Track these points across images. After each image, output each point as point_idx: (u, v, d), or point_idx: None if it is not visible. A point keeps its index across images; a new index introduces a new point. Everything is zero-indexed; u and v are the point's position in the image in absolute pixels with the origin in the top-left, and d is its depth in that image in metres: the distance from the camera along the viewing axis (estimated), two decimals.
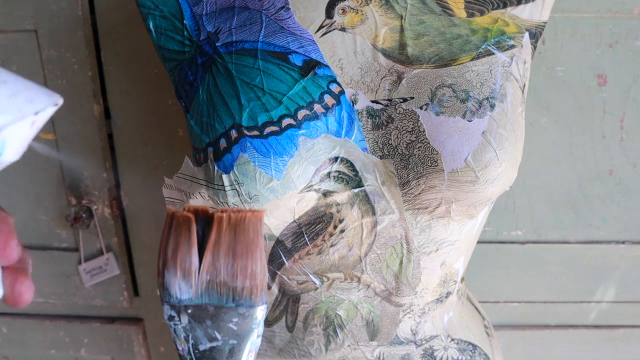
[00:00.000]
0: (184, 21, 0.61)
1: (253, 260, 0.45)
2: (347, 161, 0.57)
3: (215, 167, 0.55)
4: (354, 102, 0.58)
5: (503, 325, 1.07)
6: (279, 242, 0.61)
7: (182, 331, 0.46)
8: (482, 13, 0.59)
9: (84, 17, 0.86)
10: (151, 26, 0.62)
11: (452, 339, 0.69)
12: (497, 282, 1.03)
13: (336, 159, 0.57)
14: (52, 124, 0.93)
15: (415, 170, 0.57)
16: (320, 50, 0.57)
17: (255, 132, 0.55)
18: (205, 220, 0.45)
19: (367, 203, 0.59)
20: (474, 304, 0.78)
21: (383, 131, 0.57)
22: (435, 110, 0.56)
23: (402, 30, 0.58)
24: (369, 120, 0.58)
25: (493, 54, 0.58)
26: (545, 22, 0.62)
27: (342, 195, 0.58)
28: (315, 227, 0.60)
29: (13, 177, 0.98)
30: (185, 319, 0.46)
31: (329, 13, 0.58)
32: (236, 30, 0.59)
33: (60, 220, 1.00)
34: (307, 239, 0.60)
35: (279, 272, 0.63)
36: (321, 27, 0.58)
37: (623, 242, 0.99)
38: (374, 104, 0.58)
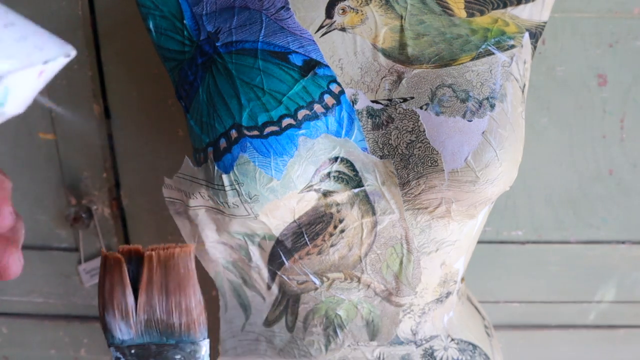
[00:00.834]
0: (184, 21, 0.61)
1: (186, 295, 0.45)
2: (347, 161, 0.57)
3: (215, 167, 0.55)
4: (354, 102, 0.57)
5: (503, 326, 1.07)
6: (279, 242, 0.61)
7: None
8: (482, 13, 0.59)
9: (83, 16, 0.86)
10: (151, 26, 0.62)
11: (452, 339, 0.69)
12: (497, 282, 1.03)
13: (336, 159, 0.57)
14: (52, 123, 0.93)
15: (416, 170, 0.57)
16: (320, 50, 0.57)
17: (255, 132, 0.55)
18: (138, 259, 0.46)
19: (367, 203, 0.59)
20: (474, 304, 0.78)
21: (383, 131, 0.57)
22: (435, 110, 0.56)
23: (402, 30, 0.58)
24: (369, 120, 0.57)
25: (493, 54, 0.58)
26: (546, 22, 0.62)
27: (342, 195, 0.58)
28: (315, 227, 0.60)
29: (13, 177, 0.98)
30: (130, 359, 0.46)
31: (329, 13, 0.58)
32: (236, 30, 0.59)
33: (60, 220, 1.00)
34: (307, 239, 0.60)
35: (279, 272, 0.63)
36: (321, 27, 0.58)
37: (623, 242, 0.99)
38: (374, 103, 0.58)
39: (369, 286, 0.62)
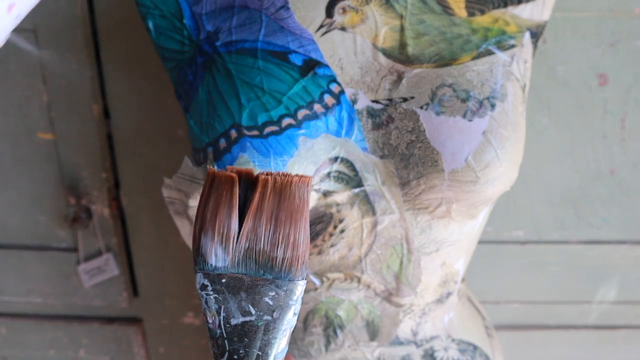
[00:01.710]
0: (184, 20, 0.60)
1: (297, 228, 0.41)
2: (347, 161, 0.57)
3: (215, 167, 0.55)
4: (354, 101, 0.57)
5: (504, 326, 1.07)
6: None
7: (214, 302, 0.42)
8: (482, 12, 0.59)
9: (83, 16, 0.86)
10: (150, 25, 0.62)
11: (453, 340, 0.69)
12: (498, 282, 1.03)
13: (336, 158, 0.57)
14: (51, 123, 0.93)
15: (416, 170, 0.56)
16: (320, 50, 0.57)
17: (255, 132, 0.54)
18: (248, 183, 0.42)
19: (367, 203, 0.59)
20: (475, 305, 0.78)
21: (383, 131, 0.57)
22: (435, 110, 0.56)
23: (402, 29, 0.58)
24: (369, 120, 0.57)
25: (494, 53, 0.58)
26: (546, 22, 0.62)
27: (342, 195, 0.58)
28: (315, 227, 0.59)
29: (12, 177, 0.98)
30: (218, 289, 0.42)
31: (329, 12, 0.58)
32: (236, 30, 0.58)
33: (59, 220, 1.00)
34: None
35: None
36: (321, 26, 0.58)
37: (624, 242, 0.99)
38: (374, 103, 0.57)
39: (369, 286, 0.62)
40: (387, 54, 0.58)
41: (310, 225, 0.59)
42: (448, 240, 0.62)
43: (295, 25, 0.58)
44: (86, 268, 1.01)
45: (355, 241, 0.60)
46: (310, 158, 0.55)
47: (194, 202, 0.58)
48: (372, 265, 0.61)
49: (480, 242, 0.71)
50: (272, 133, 0.54)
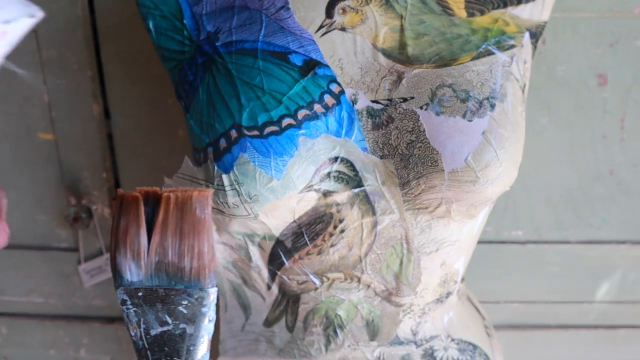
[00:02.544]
0: (184, 21, 0.60)
1: (200, 239, 0.45)
2: (347, 161, 0.57)
3: (215, 167, 0.55)
4: (354, 102, 0.57)
5: (503, 326, 1.07)
6: (278, 242, 0.61)
7: (134, 315, 0.46)
8: (482, 13, 0.59)
9: (83, 16, 0.86)
10: (151, 26, 0.62)
11: (453, 339, 0.69)
12: (497, 282, 1.03)
13: (336, 159, 0.57)
14: (51, 123, 0.93)
15: (416, 170, 0.57)
16: (320, 50, 0.57)
17: (255, 132, 0.54)
18: (155, 201, 0.45)
19: (367, 203, 0.59)
20: (475, 304, 0.78)
21: (383, 131, 0.57)
22: (435, 110, 0.56)
23: (402, 30, 0.58)
24: (369, 120, 0.57)
25: (493, 53, 0.58)
26: (546, 22, 0.62)
27: (342, 195, 0.58)
28: (315, 227, 0.59)
29: (13, 177, 0.98)
30: (136, 302, 0.45)
31: (329, 13, 0.58)
32: (236, 30, 0.59)
33: (60, 220, 1.00)
34: (307, 239, 0.60)
35: (278, 272, 0.63)
36: (321, 26, 0.58)
37: (623, 242, 0.99)
38: (374, 103, 0.57)
39: (369, 286, 0.62)
40: (387, 54, 0.58)
41: (310, 225, 0.59)
42: (448, 240, 0.62)
43: (296, 26, 0.58)
44: (87, 268, 1.01)
45: (355, 241, 0.60)
46: (310, 158, 0.55)
47: None
48: (372, 265, 0.61)
49: (480, 242, 0.71)
50: (272, 133, 0.55)
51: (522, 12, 0.60)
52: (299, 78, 0.56)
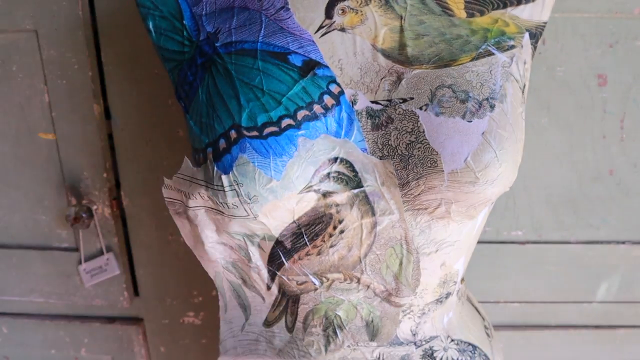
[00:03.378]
0: (184, 21, 0.61)
1: None
2: (347, 162, 0.57)
3: (215, 168, 0.55)
4: (353, 102, 0.57)
5: (503, 326, 1.07)
6: (278, 242, 0.61)
7: None
8: (482, 13, 0.59)
9: (84, 17, 0.86)
10: (151, 26, 0.62)
11: (452, 340, 0.69)
12: (497, 282, 1.03)
13: (336, 159, 0.57)
14: (52, 123, 0.93)
15: (415, 170, 0.57)
16: (320, 51, 0.57)
17: (255, 133, 0.55)
18: None
19: (366, 204, 0.59)
20: (474, 305, 0.78)
21: (383, 132, 0.57)
22: (435, 110, 0.56)
23: (401, 30, 0.58)
24: (369, 120, 0.57)
25: (493, 54, 0.58)
26: (546, 23, 0.62)
27: (342, 196, 0.58)
28: (314, 227, 0.59)
29: (13, 177, 0.98)
30: None
31: (329, 13, 0.58)
32: (236, 31, 0.59)
33: (61, 220, 1.00)
34: (306, 239, 0.60)
35: (278, 273, 0.63)
36: (321, 27, 0.58)
37: (623, 242, 0.99)
38: (374, 104, 0.57)
39: (368, 287, 0.62)
40: (386, 54, 0.58)
41: (310, 226, 0.59)
42: (447, 240, 0.62)
43: (295, 26, 0.58)
44: (87, 268, 1.01)
45: (354, 242, 0.60)
46: (309, 159, 0.55)
47: (193, 203, 0.58)
48: (371, 266, 0.61)
49: (480, 242, 0.71)
50: (272, 134, 0.55)
51: (522, 13, 0.60)
52: (299, 79, 0.56)
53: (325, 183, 0.57)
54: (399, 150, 0.57)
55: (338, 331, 0.65)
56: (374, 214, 0.59)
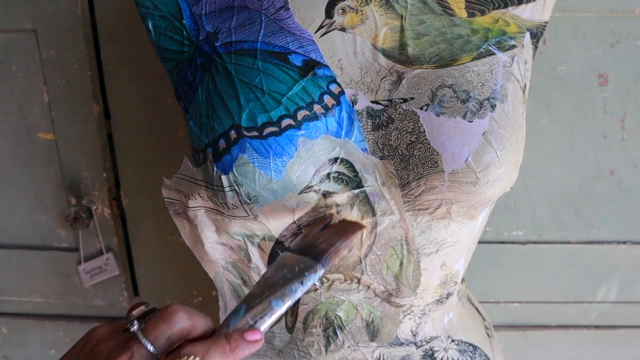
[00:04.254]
0: (183, 21, 0.60)
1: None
2: (347, 162, 0.57)
3: (215, 168, 0.55)
4: (353, 102, 0.57)
5: (503, 326, 1.07)
6: (278, 243, 0.60)
7: None
8: (483, 13, 0.59)
9: (83, 16, 0.86)
10: (150, 26, 0.62)
11: (453, 340, 0.69)
12: (498, 282, 1.03)
13: (336, 159, 0.57)
14: (52, 124, 0.93)
15: (416, 171, 0.56)
16: (320, 51, 0.57)
17: (255, 133, 0.54)
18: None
19: (367, 204, 0.59)
20: (475, 305, 0.78)
21: (383, 132, 0.57)
22: (435, 110, 0.56)
23: (402, 30, 0.58)
24: (369, 120, 0.57)
25: (494, 54, 0.58)
26: (547, 22, 0.62)
27: (342, 196, 0.58)
28: (315, 227, 0.59)
29: (13, 177, 0.98)
30: None
31: (329, 13, 0.58)
32: (235, 30, 0.58)
33: (60, 220, 1.00)
34: None
35: None
36: (321, 27, 0.58)
37: (624, 242, 0.99)
38: (374, 104, 0.57)
39: (369, 287, 0.62)
40: (387, 54, 0.58)
41: (310, 226, 0.59)
42: (448, 241, 0.62)
43: (295, 26, 0.58)
44: (87, 268, 1.01)
45: (355, 242, 0.60)
46: (310, 159, 0.55)
47: (193, 203, 0.58)
48: (372, 266, 0.61)
49: (480, 242, 0.71)
50: (272, 134, 0.54)
51: (523, 12, 0.60)
52: (299, 78, 0.56)
53: (325, 183, 0.57)
54: (399, 151, 0.57)
55: (338, 331, 0.65)
56: (374, 214, 0.59)
